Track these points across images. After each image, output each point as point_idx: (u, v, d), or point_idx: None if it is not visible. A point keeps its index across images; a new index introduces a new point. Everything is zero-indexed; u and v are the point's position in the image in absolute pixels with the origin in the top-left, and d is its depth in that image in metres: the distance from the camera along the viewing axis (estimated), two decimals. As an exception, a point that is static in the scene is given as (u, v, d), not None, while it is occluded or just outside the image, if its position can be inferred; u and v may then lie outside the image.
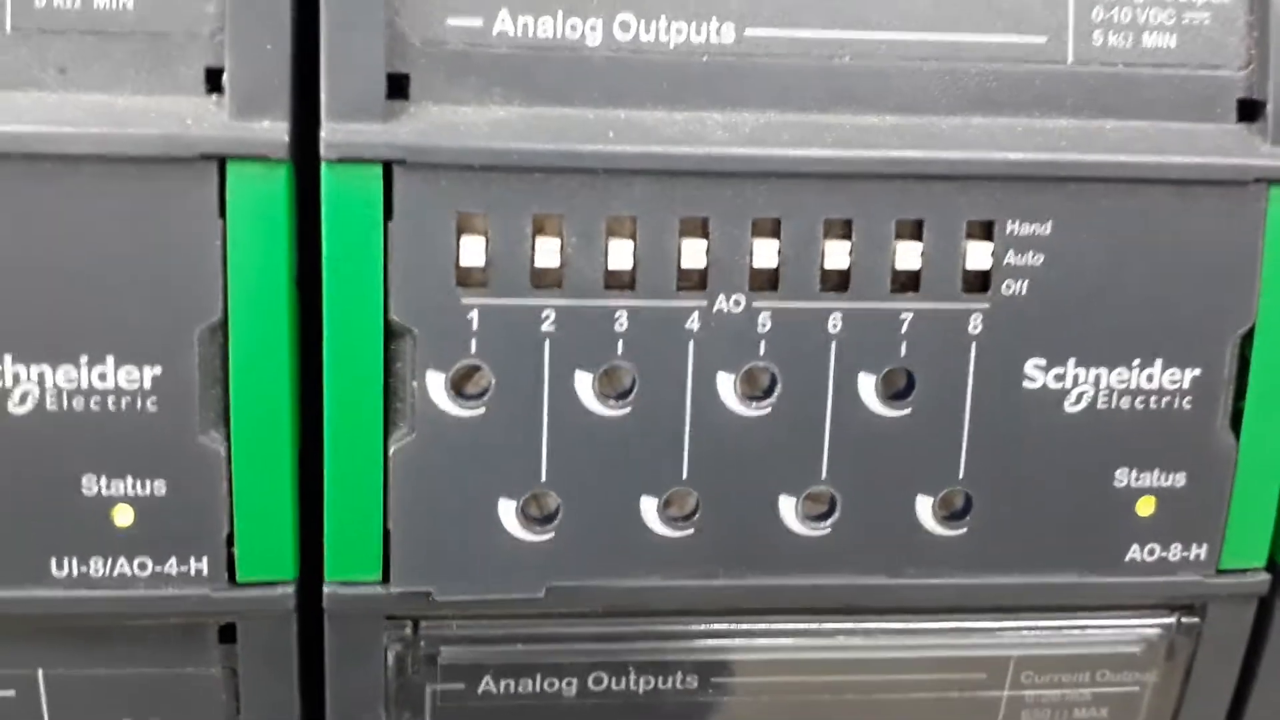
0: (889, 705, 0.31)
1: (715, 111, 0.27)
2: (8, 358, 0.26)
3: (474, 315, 0.26)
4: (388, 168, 0.25)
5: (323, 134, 0.25)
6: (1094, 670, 0.31)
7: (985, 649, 0.30)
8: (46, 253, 0.25)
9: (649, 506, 0.28)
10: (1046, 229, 0.27)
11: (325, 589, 0.27)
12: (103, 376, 0.26)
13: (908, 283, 0.28)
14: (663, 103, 0.27)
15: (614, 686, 0.30)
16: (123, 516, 0.26)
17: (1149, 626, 0.31)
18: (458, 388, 0.27)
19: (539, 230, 0.26)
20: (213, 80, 0.26)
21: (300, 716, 0.29)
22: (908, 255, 0.27)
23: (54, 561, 0.27)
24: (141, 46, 0.25)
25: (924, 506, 0.29)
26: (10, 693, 0.28)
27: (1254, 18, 0.28)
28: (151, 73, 0.25)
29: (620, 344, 0.27)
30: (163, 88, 0.26)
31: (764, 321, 0.27)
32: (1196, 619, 0.31)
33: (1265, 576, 0.30)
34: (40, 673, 0.28)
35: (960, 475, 0.28)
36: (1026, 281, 0.28)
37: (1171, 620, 0.31)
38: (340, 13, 0.25)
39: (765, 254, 0.27)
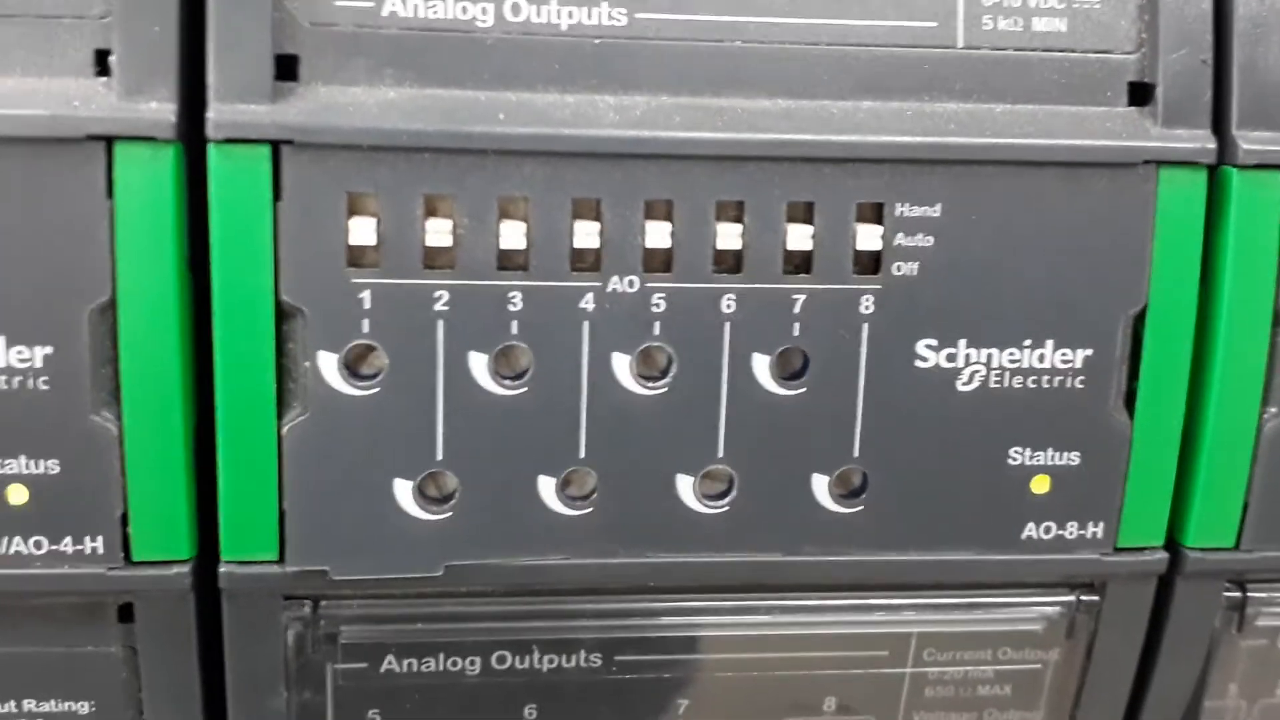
0: (792, 682, 0.31)
1: (607, 94, 0.27)
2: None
3: (365, 295, 0.27)
4: (276, 148, 0.26)
5: (209, 115, 0.25)
6: (996, 648, 0.31)
7: (886, 626, 0.31)
8: (-64, 233, 0.25)
9: (547, 486, 0.28)
10: (936, 211, 0.28)
11: (221, 568, 0.28)
12: (-7, 357, 0.26)
13: (800, 264, 0.28)
14: (554, 85, 0.27)
15: (518, 665, 0.30)
16: (17, 495, 0.26)
17: (1049, 604, 0.31)
18: (352, 368, 0.27)
19: (430, 211, 0.27)
20: (101, 62, 0.26)
21: (201, 696, 0.29)
22: (799, 237, 0.28)
23: (-53, 541, 0.27)
24: (30, 28, 0.26)
25: (820, 485, 0.29)
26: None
27: (1145, 1, 0.29)
28: (40, 54, 0.26)
29: (515, 324, 0.27)
30: (51, 69, 0.26)
31: (658, 302, 0.28)
32: (1096, 597, 0.31)
33: (1163, 555, 0.30)
34: (-61, 653, 0.28)
35: (855, 454, 0.29)
36: (917, 263, 0.28)
37: (1071, 598, 0.31)
38: (228, -5, 0.26)
39: (658, 235, 0.27)
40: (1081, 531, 0.30)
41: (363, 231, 0.26)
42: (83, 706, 0.29)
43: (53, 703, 0.28)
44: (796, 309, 0.28)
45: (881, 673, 0.31)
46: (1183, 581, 0.31)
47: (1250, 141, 0.28)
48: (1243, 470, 0.30)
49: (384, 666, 0.29)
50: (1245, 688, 0.33)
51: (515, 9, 0.27)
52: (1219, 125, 0.29)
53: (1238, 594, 0.32)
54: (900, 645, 0.31)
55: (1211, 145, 0.28)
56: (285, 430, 0.27)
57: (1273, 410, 0.30)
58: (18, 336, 0.26)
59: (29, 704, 0.28)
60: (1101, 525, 0.30)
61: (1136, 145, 0.28)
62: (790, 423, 0.28)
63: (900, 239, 0.28)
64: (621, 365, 0.28)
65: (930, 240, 0.28)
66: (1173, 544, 0.31)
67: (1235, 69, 0.29)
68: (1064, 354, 0.29)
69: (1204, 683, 0.32)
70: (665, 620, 0.30)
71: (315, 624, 0.29)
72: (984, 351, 0.29)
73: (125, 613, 0.28)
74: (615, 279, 0.27)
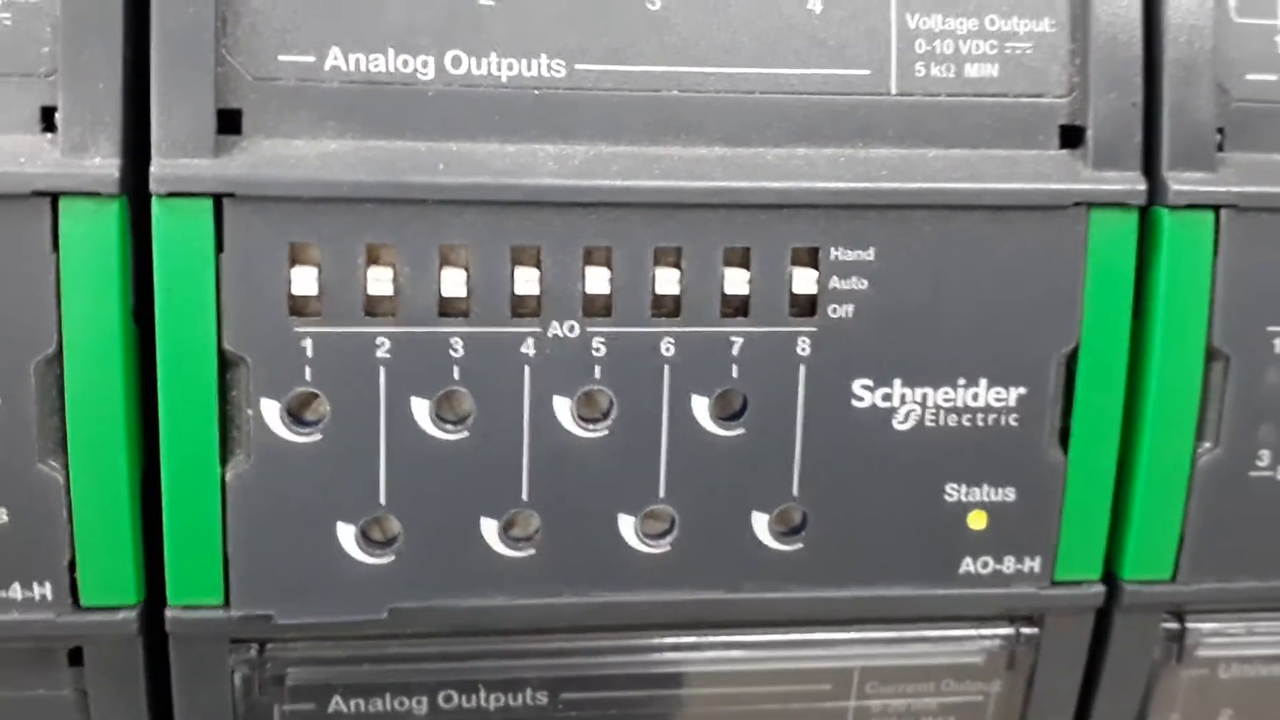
0: (737, 717, 0.31)
1: (546, 144, 0.28)
2: None
3: (308, 344, 0.27)
4: (218, 201, 0.26)
5: (152, 169, 0.26)
6: (938, 680, 0.32)
7: (828, 660, 0.31)
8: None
9: (489, 528, 0.29)
10: (870, 255, 0.28)
11: (168, 613, 0.28)
12: (-58, 407, 0.27)
13: (738, 307, 0.29)
14: (494, 135, 0.28)
15: (464, 704, 0.30)
16: (-35, 543, 0.27)
17: (989, 637, 0.32)
18: (294, 414, 0.28)
19: (372, 259, 0.27)
20: (47, 119, 0.26)
21: (152, 737, 0.29)
22: (736, 281, 0.28)
23: (-102, 588, 0.27)
24: (-23, 87, 0.26)
25: (760, 523, 0.30)
26: None
27: (1076, 46, 0.30)
28: (-14, 112, 0.26)
29: (456, 370, 0.28)
30: (-2, 126, 0.26)
31: (598, 346, 0.28)
32: (1035, 630, 0.32)
33: (1100, 588, 0.31)
34: (-110, 698, 0.28)
35: (795, 492, 0.29)
36: (852, 305, 0.29)
37: (1011, 631, 0.32)
38: (170, 51, 0.26)
39: (597, 281, 0.28)
40: (1019, 566, 0.31)
41: (305, 281, 0.27)
42: (35, 748, 0.29)
43: (5, 745, 0.29)
44: (734, 351, 0.29)
45: (825, 706, 0.32)
46: (1120, 614, 0.31)
47: (1181, 182, 0.29)
48: (1178, 504, 0.31)
49: (331, 707, 0.30)
50: (1187, 716, 0.34)
51: (456, 61, 0.28)
52: (1150, 167, 0.30)
53: (1176, 625, 0.32)
54: (843, 679, 0.31)
55: (1142, 187, 0.29)
56: (229, 477, 0.27)
57: (1206, 445, 0.30)
58: (-35, 388, 0.26)
59: (-19, 746, 0.29)
60: (1038, 559, 0.31)
61: (1068, 188, 0.29)
62: (730, 462, 0.29)
63: (835, 282, 0.28)
64: (563, 408, 0.28)
65: (865, 283, 0.29)
66: (1110, 577, 0.31)
67: (1165, 111, 0.30)
68: (998, 392, 0.29)
69: (1145, 713, 0.33)
70: (610, 658, 0.31)
71: (262, 666, 0.29)
72: (919, 391, 0.29)
73: (75, 656, 0.29)
74: (555, 324, 0.28)
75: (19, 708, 0.29)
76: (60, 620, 0.28)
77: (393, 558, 0.28)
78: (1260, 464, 0.31)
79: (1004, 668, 0.32)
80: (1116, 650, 0.32)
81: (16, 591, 0.27)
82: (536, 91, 0.28)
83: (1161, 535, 0.31)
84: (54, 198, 0.26)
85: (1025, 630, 0.32)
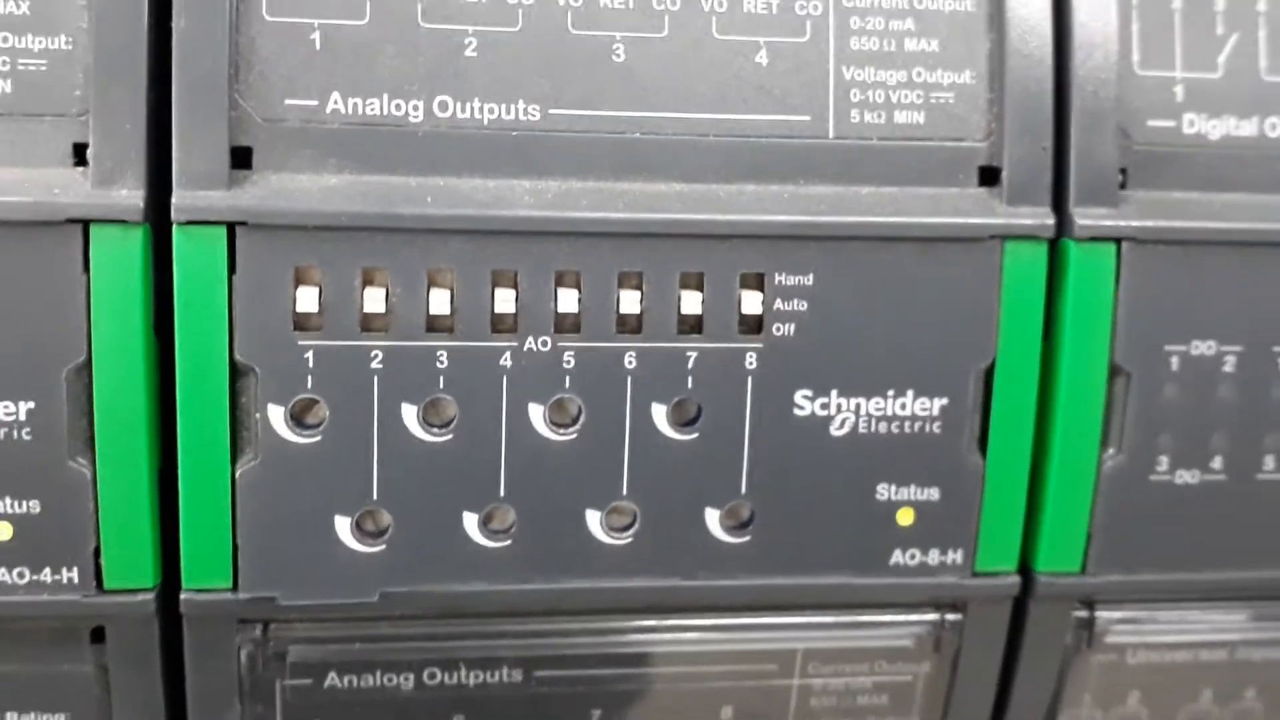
0: (692, 694, 0.35)
1: (523, 179, 0.31)
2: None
3: (310, 355, 0.30)
4: (231, 229, 0.29)
5: (173, 200, 0.29)
6: (872, 661, 0.35)
7: (774, 643, 0.34)
8: (-68, 303, 0.29)
9: (470, 521, 0.32)
10: (810, 280, 0.32)
11: (182, 595, 0.31)
12: (-18, 410, 0.30)
13: (693, 325, 0.32)
14: (477, 172, 0.31)
15: (446, 681, 0.34)
16: (2, 532, 0.30)
17: (918, 623, 0.35)
18: (297, 418, 0.31)
19: (367, 281, 0.30)
20: (79, 154, 0.29)
21: (165, 709, 0.32)
22: (691, 302, 0.31)
23: (-60, 572, 0.30)
24: (16, 125, 0.29)
25: (713, 518, 0.33)
26: (-96, 690, 0.31)
27: (993, 96, 0.33)
28: (25, 147, 0.29)
29: (441, 379, 0.31)
30: (35, 161, 0.29)
31: (568, 359, 0.31)
32: (959, 616, 0.35)
33: (1016, 579, 0.34)
34: (-69, 672, 0.31)
35: (743, 490, 0.33)
36: (793, 324, 0.32)
37: (937, 617, 0.35)
38: (189, 95, 0.29)
39: (568, 301, 0.31)
40: (943, 558, 0.34)
41: (307, 299, 0.30)
42: (59, 719, 0.32)
43: (32, 715, 0.32)
44: (690, 365, 0.32)
45: (772, 684, 0.35)
46: (1035, 602, 0.35)
47: (1085, 217, 0.32)
48: (1085, 504, 0.34)
49: (327, 682, 0.33)
50: (1099, 697, 0.37)
51: (443, 106, 0.31)
52: (1058, 203, 0.33)
53: (1086, 614, 0.36)
54: (787, 660, 0.35)
55: (1051, 221, 0.32)
56: (239, 474, 0.31)
57: (1111, 452, 0.34)
58: (4, 393, 0.29)
59: (11, 716, 0.32)
60: (960, 552, 0.34)
61: (985, 222, 0.32)
62: (685, 463, 0.32)
63: (779, 304, 0.32)
64: (536, 414, 0.32)
65: (805, 305, 0.32)
66: (1025, 569, 0.35)
67: (1073, 154, 0.33)
68: (923, 403, 0.33)
69: (1060, 693, 0.36)
70: (578, 639, 0.34)
71: (266, 644, 0.32)
72: (853, 400, 0.33)
73: (97, 635, 0.32)
74: (530, 339, 0.31)
75: (45, 681, 0.32)
76: (85, 601, 0.31)
77: (384, 547, 0.32)
78: (1159, 469, 0.34)
79: (931, 650, 0.35)
80: (1032, 635, 0.35)
81: (46, 575, 0.30)
82: (514, 133, 0.31)
83: (1071, 531, 0.34)
84: (85, 225, 0.29)
85: (950, 617, 0.35)
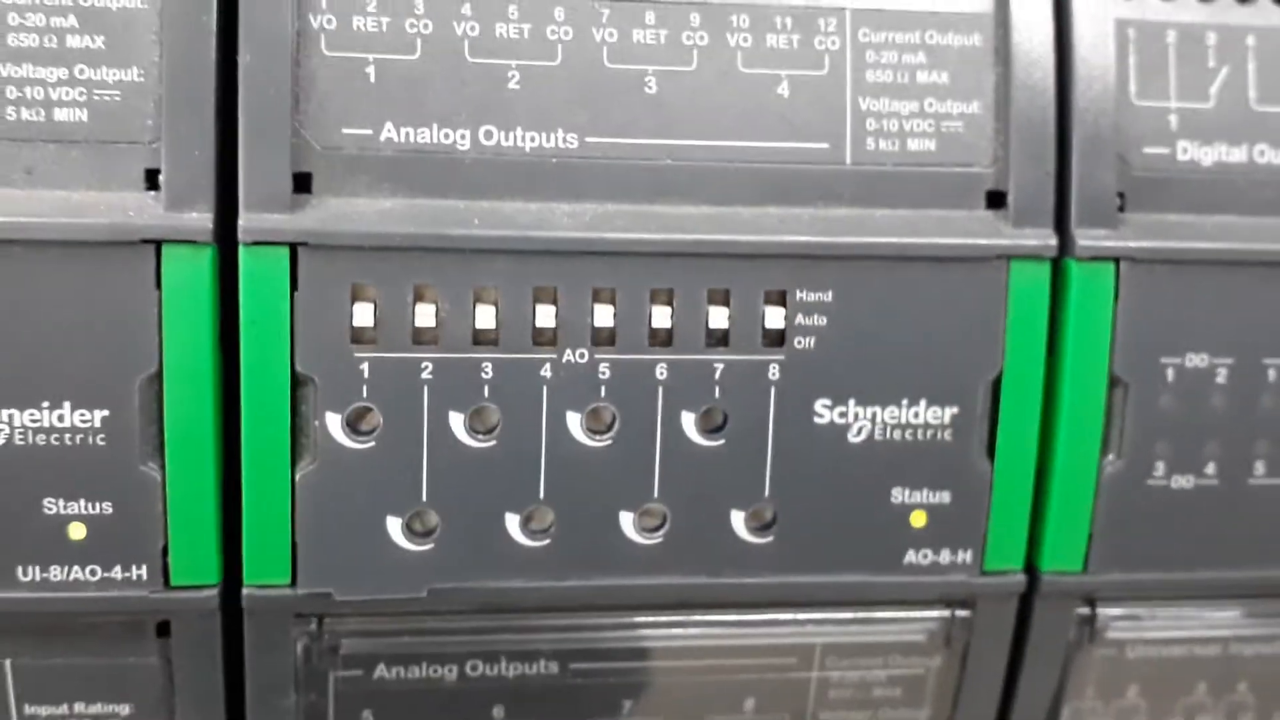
0: (717, 685, 0.37)
1: (562, 203, 0.33)
2: (-16, 403, 0.31)
3: (365, 367, 0.32)
4: (294, 249, 0.31)
5: (240, 222, 0.31)
6: (886, 656, 0.37)
7: (794, 638, 0.36)
8: (13, 318, 0.31)
9: (512, 521, 0.34)
10: (829, 296, 0.34)
11: (244, 591, 0.33)
12: (60, 418, 0.31)
13: (720, 339, 0.34)
14: (519, 196, 0.33)
15: (488, 672, 0.35)
16: (76, 532, 0.32)
17: (929, 619, 0.37)
18: (353, 425, 0.33)
19: (418, 297, 0.32)
20: (151, 179, 0.31)
21: (224, 698, 0.34)
22: (718, 317, 0.33)
23: (19, 569, 0.32)
24: (93, 152, 0.31)
25: (738, 519, 0.35)
26: (-19, 680, 0.33)
27: (1000, 125, 0.34)
28: (101, 173, 0.31)
29: (486, 389, 0.33)
30: (110, 185, 0.31)
31: (604, 370, 0.33)
32: (968, 613, 0.36)
33: (1022, 577, 0.36)
34: (8, 663, 0.33)
35: (766, 493, 0.34)
36: (814, 338, 0.34)
37: (947, 614, 0.37)
38: (255, 125, 0.31)
39: (604, 316, 0.33)
40: (953, 558, 0.36)
41: (364, 314, 0.32)
42: (124, 708, 0.34)
43: (99, 705, 0.34)
44: (717, 375, 0.34)
45: (791, 677, 0.37)
46: (1040, 600, 0.36)
47: (1086, 238, 0.34)
48: (1087, 507, 0.36)
49: (376, 673, 0.35)
50: (1100, 690, 0.39)
51: (488, 134, 0.33)
52: (1060, 225, 0.34)
53: (1088, 611, 0.37)
54: (806, 654, 0.37)
55: (1054, 242, 0.34)
56: (298, 477, 0.32)
57: (1110, 457, 0.35)
58: (81, 401, 0.31)
59: (79, 706, 0.34)
60: (970, 552, 0.36)
61: (992, 243, 0.34)
62: (713, 468, 0.34)
63: (800, 319, 0.34)
64: (574, 422, 0.34)
65: (824, 320, 0.34)
66: (1031, 568, 0.36)
67: (1074, 179, 0.34)
68: (935, 411, 0.35)
69: (1063, 685, 0.38)
70: (611, 634, 0.36)
71: (320, 638, 0.34)
72: (870, 409, 0.34)
73: (163, 629, 0.33)
74: (569, 352, 0.33)
75: (112, 673, 0.34)
76: (153, 597, 0.32)
77: (432, 545, 0.33)
78: (1156, 474, 0.36)
79: (942, 645, 0.37)
80: (1038, 631, 0.37)
81: (117, 572, 0.32)
82: (554, 160, 0.33)
83: (1073, 533, 0.36)
84: (158, 245, 0.31)
85: (959, 613, 0.36)
